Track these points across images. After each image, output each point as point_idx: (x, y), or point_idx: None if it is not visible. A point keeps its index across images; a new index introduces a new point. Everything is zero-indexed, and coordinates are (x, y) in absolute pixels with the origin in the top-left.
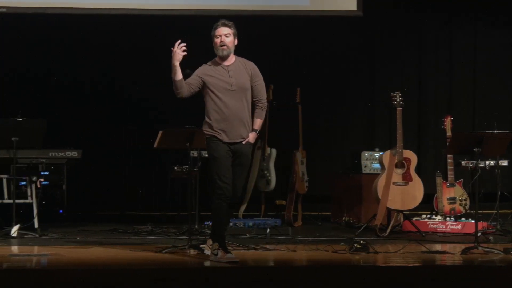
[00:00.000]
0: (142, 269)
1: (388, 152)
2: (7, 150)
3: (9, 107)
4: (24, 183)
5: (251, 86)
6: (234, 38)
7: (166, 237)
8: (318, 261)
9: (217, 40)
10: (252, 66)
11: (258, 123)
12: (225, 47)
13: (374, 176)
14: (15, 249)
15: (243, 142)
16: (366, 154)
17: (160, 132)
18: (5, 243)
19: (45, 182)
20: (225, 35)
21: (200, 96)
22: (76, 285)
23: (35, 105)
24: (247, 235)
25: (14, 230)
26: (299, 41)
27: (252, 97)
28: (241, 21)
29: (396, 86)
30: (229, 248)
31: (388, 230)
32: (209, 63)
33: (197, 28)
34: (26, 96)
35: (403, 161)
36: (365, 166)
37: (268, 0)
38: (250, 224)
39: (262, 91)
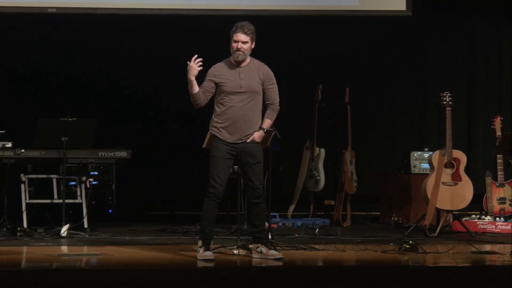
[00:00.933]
0: (191, 269)
1: (437, 152)
2: (57, 150)
3: (59, 107)
4: (73, 183)
5: (263, 90)
6: (252, 43)
7: (215, 237)
8: (367, 261)
9: (234, 45)
10: (265, 70)
11: (267, 123)
12: (241, 52)
13: (423, 176)
14: (64, 249)
15: (248, 140)
16: (415, 154)
17: (209, 132)
18: (55, 243)
19: (95, 182)
20: (243, 42)
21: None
22: (126, 285)
23: (85, 104)
24: (296, 235)
25: (64, 230)
26: (347, 41)
27: (265, 100)
28: (290, 21)
29: (446, 86)
30: (278, 248)
31: (437, 231)
32: (222, 62)
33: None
34: (77, 96)
35: (453, 161)
36: (414, 166)
37: (317, 0)
38: (299, 224)
39: (275, 95)
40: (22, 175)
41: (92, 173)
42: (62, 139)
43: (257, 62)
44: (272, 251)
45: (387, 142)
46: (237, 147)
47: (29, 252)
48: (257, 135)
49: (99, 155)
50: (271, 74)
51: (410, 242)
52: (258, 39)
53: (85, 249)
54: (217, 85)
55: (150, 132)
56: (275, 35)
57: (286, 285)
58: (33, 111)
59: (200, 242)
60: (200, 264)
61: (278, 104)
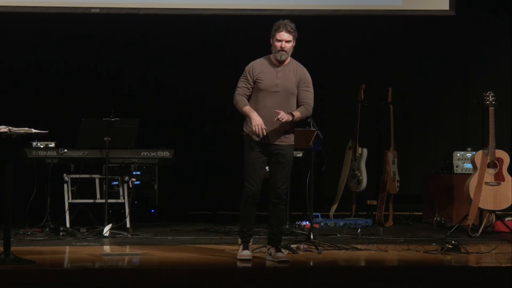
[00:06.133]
0: (233, 269)
1: (480, 152)
2: (100, 150)
3: (101, 107)
4: (116, 183)
5: (298, 90)
6: (294, 42)
7: (257, 237)
8: (409, 261)
9: (278, 44)
10: (302, 72)
11: (297, 113)
12: (284, 52)
13: (466, 176)
14: (107, 248)
15: (275, 119)
16: (458, 154)
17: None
18: (97, 243)
19: (137, 182)
20: (286, 41)
21: None
22: (168, 285)
23: (127, 104)
24: (338, 235)
25: (106, 230)
26: (390, 41)
27: (298, 101)
28: (333, 21)
29: (490, 85)
30: (320, 248)
31: (480, 231)
32: (262, 58)
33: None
34: (119, 96)
35: (496, 161)
36: (457, 166)
37: (360, 0)
38: (341, 224)
39: (309, 97)
40: (65, 175)
41: (134, 173)
42: (104, 139)
43: (296, 63)
44: (279, 254)
45: (430, 142)
46: (270, 148)
47: (71, 251)
48: (284, 115)
49: (142, 155)
50: (309, 78)
51: (453, 242)
52: (301, 39)
53: (127, 249)
54: (254, 82)
55: (193, 132)
56: (317, 35)
57: (328, 285)
58: (75, 111)
59: (239, 241)
60: (239, 263)
61: (311, 105)
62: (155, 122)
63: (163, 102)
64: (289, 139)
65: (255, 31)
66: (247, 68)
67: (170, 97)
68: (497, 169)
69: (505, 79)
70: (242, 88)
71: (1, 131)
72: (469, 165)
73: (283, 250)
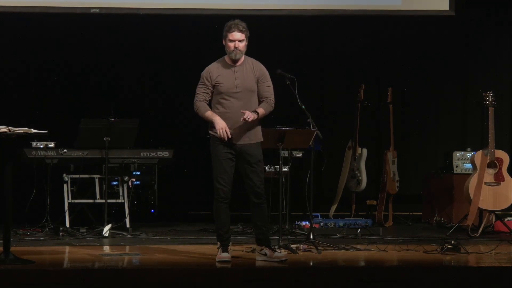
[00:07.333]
0: (233, 269)
1: (480, 152)
2: (100, 150)
3: (101, 107)
4: (116, 183)
5: (258, 87)
6: (246, 41)
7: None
8: (409, 262)
9: (231, 44)
10: (259, 68)
11: (261, 110)
12: (238, 51)
13: (466, 176)
14: (107, 248)
15: (241, 119)
16: (458, 154)
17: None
18: (97, 243)
19: (137, 182)
20: (239, 41)
21: None
22: (168, 285)
23: (126, 104)
24: (338, 235)
25: (106, 230)
26: (389, 41)
27: (259, 97)
28: (333, 21)
29: (489, 85)
30: (319, 248)
31: (480, 231)
32: (217, 61)
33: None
34: (117, 96)
35: (495, 161)
36: (457, 166)
37: (360, 0)
38: (341, 224)
39: (270, 92)
40: (64, 175)
41: (134, 173)
42: (104, 139)
43: (251, 60)
44: (277, 253)
45: (430, 142)
46: (236, 147)
47: (71, 251)
48: (249, 113)
49: (142, 155)
50: (267, 73)
51: (452, 242)
52: (301, 39)
53: (127, 249)
54: (213, 86)
55: (193, 132)
56: (317, 35)
57: (328, 285)
58: (75, 111)
59: (218, 244)
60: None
61: (273, 100)
62: (155, 122)
63: (163, 102)
64: (256, 137)
65: (255, 31)
66: (204, 74)
67: (170, 97)
68: (497, 169)
69: (505, 79)
70: (201, 94)
71: (1, 131)
72: (468, 165)
73: (282, 250)
